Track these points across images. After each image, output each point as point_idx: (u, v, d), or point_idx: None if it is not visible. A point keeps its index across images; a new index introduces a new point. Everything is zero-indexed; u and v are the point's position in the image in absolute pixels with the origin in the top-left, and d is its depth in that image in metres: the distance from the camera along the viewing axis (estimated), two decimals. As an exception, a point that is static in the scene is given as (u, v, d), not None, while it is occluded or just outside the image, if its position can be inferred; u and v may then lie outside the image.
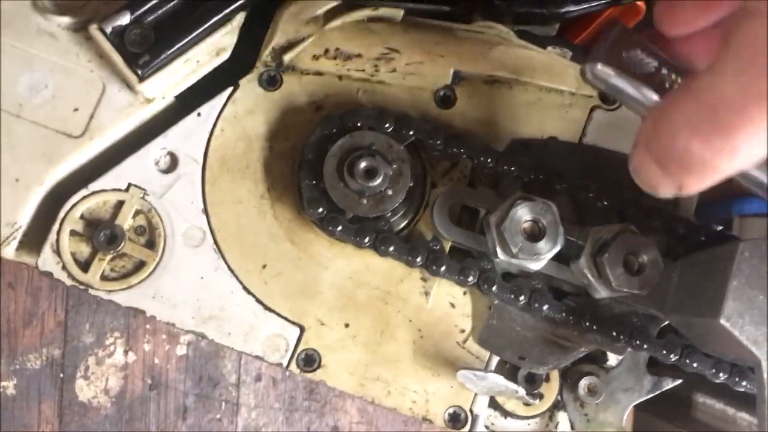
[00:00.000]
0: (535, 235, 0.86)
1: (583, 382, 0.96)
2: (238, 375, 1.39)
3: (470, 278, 0.90)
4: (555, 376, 0.97)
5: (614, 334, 0.91)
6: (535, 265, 0.88)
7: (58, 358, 1.30)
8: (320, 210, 0.89)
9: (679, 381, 0.99)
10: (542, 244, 0.86)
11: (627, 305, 0.92)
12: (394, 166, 0.89)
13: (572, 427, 0.97)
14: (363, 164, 0.88)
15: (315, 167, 0.89)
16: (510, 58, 0.96)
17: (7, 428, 1.26)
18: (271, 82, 0.94)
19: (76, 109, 0.91)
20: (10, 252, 0.91)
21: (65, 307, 1.30)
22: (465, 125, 0.96)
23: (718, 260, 0.84)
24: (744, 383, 0.92)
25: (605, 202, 0.93)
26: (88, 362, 1.31)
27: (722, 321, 0.79)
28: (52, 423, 1.29)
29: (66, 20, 0.91)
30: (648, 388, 0.98)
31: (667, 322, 0.94)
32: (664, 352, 0.91)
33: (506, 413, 0.96)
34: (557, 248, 0.86)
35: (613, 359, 0.98)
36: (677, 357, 0.91)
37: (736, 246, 0.81)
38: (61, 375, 1.30)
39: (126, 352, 1.33)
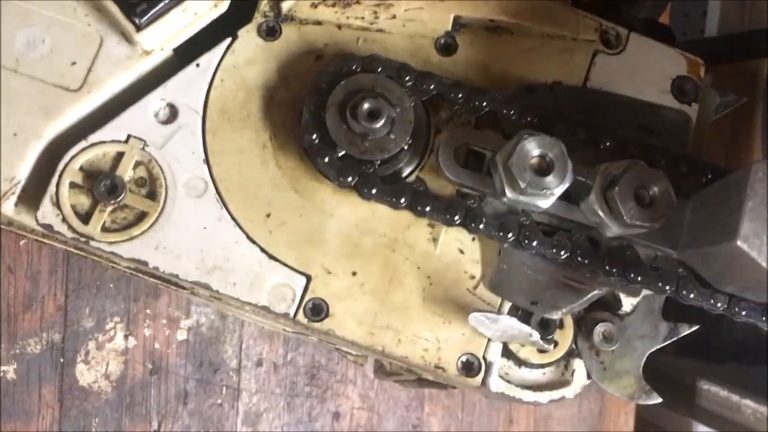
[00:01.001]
0: (543, 169, 0.85)
1: (598, 329, 0.94)
2: (239, 360, 1.37)
3: (456, 217, 0.88)
4: (569, 322, 0.94)
5: (606, 267, 0.88)
6: (544, 203, 0.86)
7: (58, 342, 1.27)
8: (314, 137, 0.87)
9: (696, 327, 0.96)
10: (551, 179, 0.84)
11: (626, 241, 0.90)
12: (398, 108, 0.88)
13: (588, 376, 0.95)
14: (366, 105, 0.87)
15: (322, 97, 0.88)
16: (511, 3, 0.96)
17: (8, 413, 1.23)
18: (270, 33, 0.94)
19: (73, 63, 0.90)
20: (9, 208, 0.88)
21: (65, 291, 1.28)
22: (467, 72, 0.95)
23: (731, 187, 0.82)
24: (743, 313, 0.89)
25: (609, 143, 0.92)
26: (88, 347, 1.28)
27: (739, 243, 0.77)
28: (52, 407, 1.26)
29: (62, -26, 0.90)
30: (664, 335, 0.96)
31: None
32: (660, 284, 0.88)
33: (520, 362, 0.94)
34: (566, 183, 0.84)
35: (627, 306, 0.96)
36: (673, 288, 0.88)
37: (748, 168, 0.80)
38: (62, 360, 1.27)
39: (126, 337, 1.31)
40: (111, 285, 1.30)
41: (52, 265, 1.27)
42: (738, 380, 1.59)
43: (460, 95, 0.91)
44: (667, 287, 0.89)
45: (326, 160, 0.88)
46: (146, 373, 1.31)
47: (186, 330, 1.34)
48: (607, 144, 0.92)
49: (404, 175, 0.92)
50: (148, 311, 1.33)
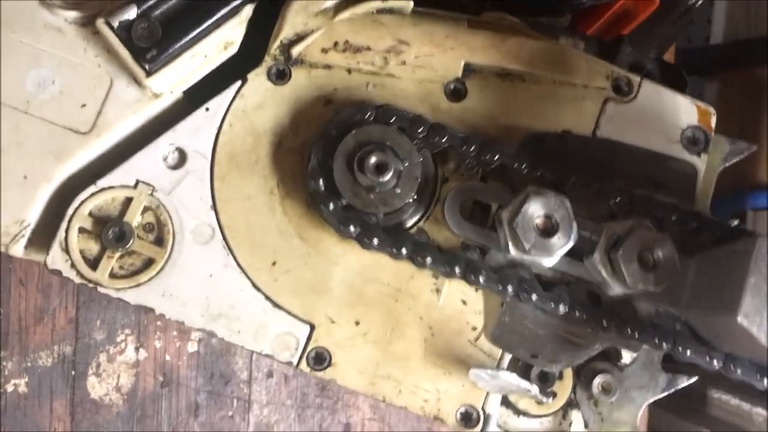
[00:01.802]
0: (548, 230, 0.85)
1: (597, 380, 0.94)
2: (250, 372, 1.38)
3: (456, 269, 0.89)
4: (568, 374, 0.95)
5: (604, 323, 0.89)
6: (548, 261, 0.86)
7: (69, 355, 1.29)
8: (320, 183, 0.88)
9: (695, 378, 0.97)
10: (555, 240, 0.84)
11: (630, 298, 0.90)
12: (405, 163, 0.88)
13: (586, 426, 0.96)
14: (374, 159, 0.87)
15: (331, 145, 0.88)
16: (522, 50, 0.95)
17: (20, 426, 1.26)
18: (279, 76, 0.93)
19: (83, 105, 0.91)
20: (18, 250, 0.90)
21: (76, 303, 1.30)
22: (476, 119, 0.95)
23: (735, 256, 0.82)
24: (739, 371, 0.89)
25: (619, 198, 0.91)
26: (99, 359, 1.31)
27: (740, 319, 0.78)
28: (63, 421, 1.28)
29: (73, 15, 0.90)
30: (663, 386, 0.97)
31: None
32: (656, 340, 0.89)
33: (519, 412, 0.95)
34: (570, 244, 0.85)
35: (627, 357, 0.96)
36: (670, 345, 0.89)
37: (753, 242, 0.80)
38: (73, 372, 1.29)
39: (137, 349, 1.33)
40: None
41: (63, 278, 1.29)
42: (749, 388, 1.59)
43: (472, 148, 0.90)
44: (664, 344, 0.89)
45: (330, 208, 0.88)
46: (157, 385, 1.33)
47: (196, 342, 1.36)
48: (615, 198, 0.91)
49: (409, 225, 0.93)
50: (158, 323, 1.34)
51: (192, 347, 1.36)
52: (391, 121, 0.90)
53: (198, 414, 1.35)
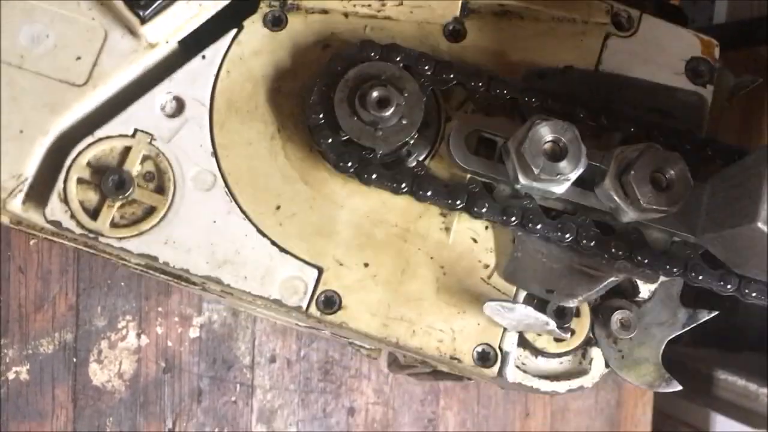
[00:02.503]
0: (556, 155, 0.83)
1: (616, 317, 0.92)
2: (252, 357, 1.36)
3: (458, 201, 0.87)
4: (585, 311, 0.93)
5: (612, 250, 0.87)
6: (559, 188, 0.84)
7: (70, 342, 1.26)
8: (320, 116, 0.86)
9: (716, 312, 0.94)
10: (564, 164, 0.83)
11: (632, 223, 0.88)
12: (406, 95, 0.86)
13: (606, 365, 0.93)
14: (375, 93, 0.85)
15: (334, 81, 0.87)
16: (520, -13, 0.94)
17: (22, 414, 1.23)
18: (275, 22, 0.92)
19: (78, 58, 0.89)
20: (16, 204, 0.88)
21: (76, 290, 1.27)
22: (476, 58, 0.94)
23: (749, 168, 0.80)
24: (753, 294, 0.87)
25: (627, 125, 0.90)
26: (100, 346, 1.28)
27: (760, 224, 0.75)
28: (66, 408, 1.25)
29: (65, -32, 0.89)
30: (683, 321, 0.94)
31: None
32: (667, 266, 0.87)
33: (537, 351, 0.92)
34: (580, 168, 0.83)
35: (645, 292, 0.94)
36: (681, 270, 0.87)
37: (764, 149, 0.78)
38: (74, 359, 1.26)
39: (138, 335, 1.30)
40: (122, 283, 1.29)
41: (63, 264, 1.27)
42: (756, 369, 1.57)
43: (480, 84, 0.89)
44: (675, 269, 0.87)
45: (330, 141, 0.86)
46: (159, 371, 1.30)
47: (198, 327, 1.34)
48: (621, 127, 0.90)
49: (414, 164, 0.91)
50: (160, 309, 1.32)
51: (194, 333, 1.33)
52: (397, 59, 0.88)
53: (201, 400, 1.32)
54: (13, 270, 1.25)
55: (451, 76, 0.89)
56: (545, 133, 0.83)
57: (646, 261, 0.87)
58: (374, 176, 0.86)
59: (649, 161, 0.84)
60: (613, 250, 0.87)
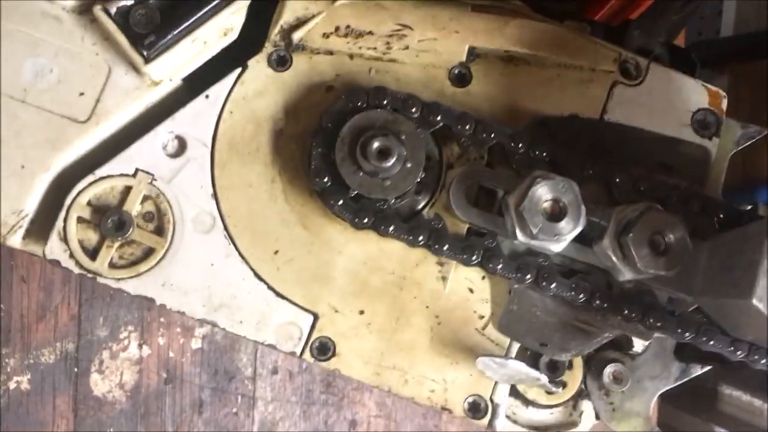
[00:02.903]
0: (555, 215, 0.83)
1: (608, 370, 0.92)
2: (254, 368, 1.37)
3: (474, 257, 0.87)
4: (578, 363, 0.93)
5: (625, 312, 0.87)
6: (556, 247, 0.84)
7: (72, 352, 1.28)
8: (325, 180, 0.86)
9: (709, 367, 0.94)
10: (563, 224, 0.82)
11: (645, 285, 0.88)
12: (404, 138, 0.86)
13: (597, 417, 0.94)
14: (376, 144, 0.85)
15: (329, 138, 0.86)
16: (527, 33, 0.93)
17: (22, 424, 1.25)
18: (280, 62, 0.92)
19: (81, 94, 0.89)
20: (16, 240, 0.89)
21: (78, 300, 1.28)
22: (481, 104, 0.93)
23: (748, 240, 0.80)
24: (763, 361, 0.87)
25: (628, 181, 0.89)
26: (102, 356, 1.29)
27: (755, 301, 0.75)
28: (67, 418, 1.27)
29: (70, 3, 0.89)
30: (676, 375, 0.94)
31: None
32: (679, 330, 0.87)
33: (528, 402, 0.93)
34: (579, 228, 0.83)
35: (639, 345, 0.94)
36: (693, 335, 0.87)
37: (765, 224, 0.78)
38: (76, 369, 1.28)
39: (140, 346, 1.31)
40: (124, 294, 1.30)
41: (66, 274, 1.28)
42: (760, 384, 1.56)
43: (467, 127, 0.89)
44: (687, 334, 0.87)
45: (340, 202, 0.86)
46: (161, 382, 1.32)
47: (200, 338, 1.34)
48: (623, 182, 0.90)
49: (416, 209, 0.91)
50: (162, 319, 1.33)
51: (196, 344, 1.34)
52: (384, 102, 0.88)
53: (202, 411, 1.34)
54: (16, 279, 1.26)
55: (438, 118, 0.88)
56: (545, 192, 0.82)
57: (658, 325, 0.86)
58: (391, 228, 0.86)
59: (649, 223, 0.83)
60: (626, 312, 0.87)
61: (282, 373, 1.38)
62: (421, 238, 0.87)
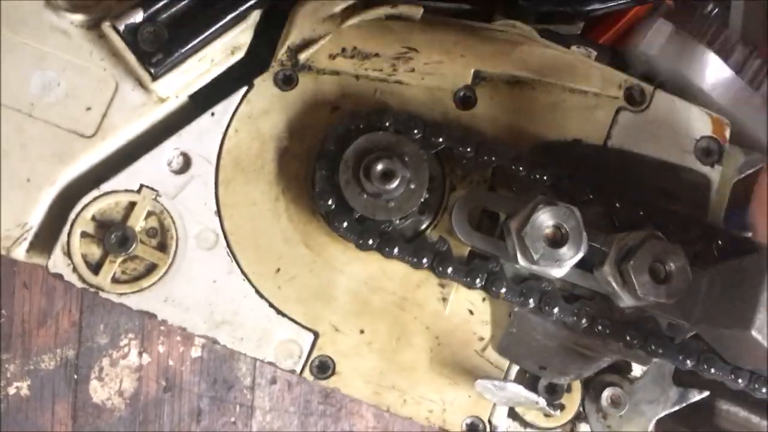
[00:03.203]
0: (557, 241, 0.83)
1: (606, 393, 0.93)
2: (253, 378, 1.37)
3: (478, 280, 0.87)
4: (577, 386, 0.93)
5: (627, 338, 0.87)
6: (557, 272, 0.85)
7: (72, 358, 1.28)
8: (329, 203, 0.86)
9: (707, 393, 0.95)
10: (564, 251, 0.83)
11: (647, 312, 0.88)
12: (407, 159, 0.86)
13: (594, 439, 0.94)
14: (380, 166, 0.86)
15: (333, 160, 0.87)
16: (533, 58, 0.94)
17: (21, 429, 1.25)
18: (286, 82, 0.92)
19: (88, 108, 0.90)
20: (20, 253, 0.89)
21: (80, 307, 1.29)
22: (485, 127, 0.93)
23: (748, 270, 0.80)
24: (764, 390, 0.88)
25: (630, 208, 0.90)
26: (102, 363, 1.30)
27: (754, 333, 0.76)
28: (65, 424, 1.28)
29: (79, 18, 0.89)
30: (674, 400, 0.95)
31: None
32: (681, 357, 0.87)
33: (526, 424, 0.93)
34: (580, 255, 0.83)
35: (637, 370, 0.94)
36: (694, 363, 0.87)
37: (765, 255, 0.78)
38: (75, 376, 1.28)
39: (140, 354, 1.32)
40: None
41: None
42: (758, 400, 1.57)
43: (470, 149, 0.89)
44: (688, 361, 0.87)
45: (345, 224, 0.87)
46: (160, 390, 1.32)
47: (200, 347, 1.35)
48: (624, 209, 0.90)
49: (418, 231, 0.91)
50: (162, 328, 1.34)
51: (195, 352, 1.35)
52: (387, 124, 0.88)
53: (200, 419, 1.34)
54: (18, 285, 1.26)
55: (441, 139, 0.89)
56: (547, 218, 0.83)
57: (660, 351, 0.87)
58: (396, 250, 0.87)
59: (650, 251, 0.83)
60: (628, 338, 0.87)
61: (281, 384, 1.39)
62: (425, 260, 0.88)
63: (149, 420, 1.32)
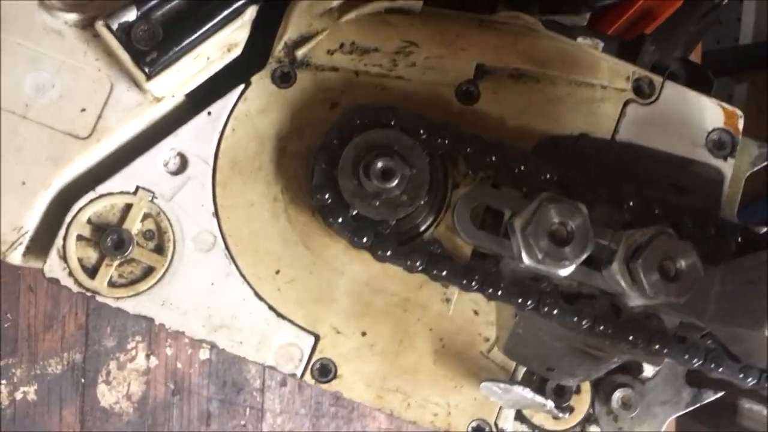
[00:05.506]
0: (562, 239, 0.80)
1: (617, 395, 0.90)
2: (263, 380, 1.35)
3: (473, 282, 0.85)
4: (586, 387, 0.91)
5: (631, 338, 0.84)
6: (563, 271, 0.82)
7: (79, 362, 1.27)
8: (326, 197, 0.84)
9: (721, 393, 0.92)
10: (570, 249, 0.80)
11: (652, 310, 0.85)
12: (411, 167, 0.84)
13: (605, 442, 0.91)
14: (379, 165, 0.83)
15: (333, 155, 0.85)
16: (537, 50, 0.91)
17: (28, 434, 1.25)
18: (284, 79, 0.90)
19: (83, 110, 0.88)
20: (17, 257, 0.88)
21: (86, 310, 1.28)
22: (489, 122, 0.91)
23: (761, 268, 0.77)
24: None
25: (639, 204, 0.87)
26: (109, 367, 1.29)
27: (767, 333, 0.73)
28: (73, 429, 1.27)
29: (73, 17, 0.88)
30: (687, 401, 0.92)
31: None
32: (686, 356, 0.84)
33: (534, 427, 0.91)
34: (586, 253, 0.80)
35: (649, 370, 0.92)
36: (701, 362, 0.84)
37: (777, 251, 0.75)
38: (83, 380, 1.27)
39: (148, 357, 1.30)
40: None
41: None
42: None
43: (473, 146, 0.87)
44: (695, 360, 0.85)
45: (340, 220, 0.85)
46: (168, 393, 1.31)
47: (208, 349, 1.33)
48: (634, 205, 0.87)
49: (420, 230, 0.89)
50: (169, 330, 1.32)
51: (204, 354, 1.33)
52: (392, 123, 0.86)
53: (210, 423, 1.33)
54: (23, 289, 1.25)
55: (443, 137, 0.86)
56: (552, 216, 0.80)
57: (664, 351, 0.84)
58: (389, 253, 0.84)
59: (659, 248, 0.81)
60: (631, 338, 0.84)
61: (291, 386, 1.37)
62: (418, 263, 0.85)
63: (158, 424, 1.30)
